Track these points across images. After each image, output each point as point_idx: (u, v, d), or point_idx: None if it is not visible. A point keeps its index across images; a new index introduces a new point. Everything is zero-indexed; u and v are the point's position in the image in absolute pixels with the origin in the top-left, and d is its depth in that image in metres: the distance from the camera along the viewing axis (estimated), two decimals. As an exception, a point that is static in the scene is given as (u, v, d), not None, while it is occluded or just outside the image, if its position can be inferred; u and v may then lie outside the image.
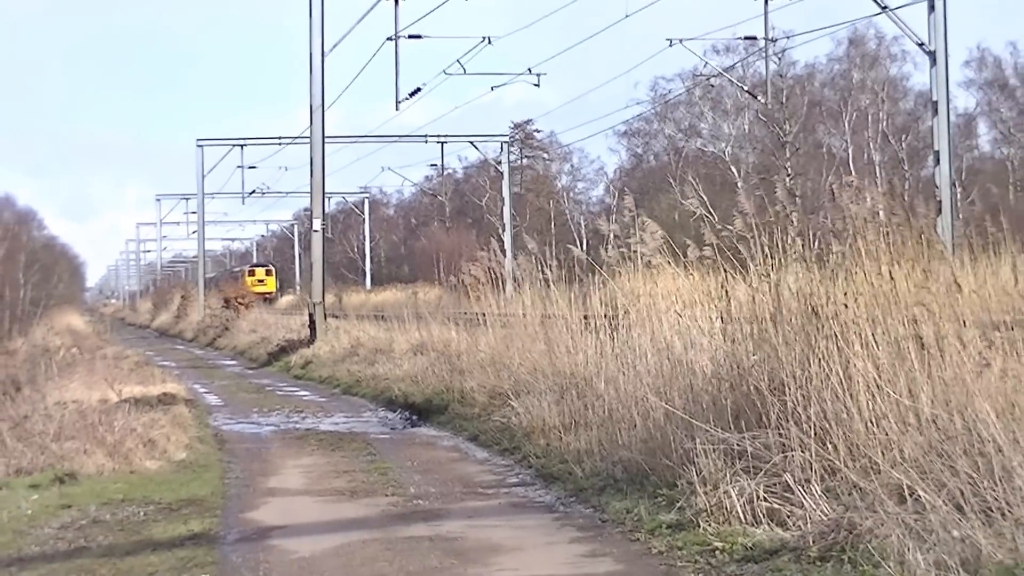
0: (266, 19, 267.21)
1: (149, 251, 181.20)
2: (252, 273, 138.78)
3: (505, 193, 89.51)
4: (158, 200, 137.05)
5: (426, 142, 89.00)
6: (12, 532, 16.08)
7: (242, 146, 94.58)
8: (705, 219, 18.72)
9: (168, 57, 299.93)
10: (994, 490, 11.57)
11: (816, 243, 16.41)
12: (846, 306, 15.11)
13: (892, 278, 15.07)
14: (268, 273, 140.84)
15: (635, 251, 20.79)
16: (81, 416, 23.42)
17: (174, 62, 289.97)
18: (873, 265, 15.32)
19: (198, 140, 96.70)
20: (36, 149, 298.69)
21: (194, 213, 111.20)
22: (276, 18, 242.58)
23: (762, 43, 55.04)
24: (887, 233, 15.42)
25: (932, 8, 51.20)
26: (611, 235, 22.43)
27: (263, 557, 14.47)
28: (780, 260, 16.57)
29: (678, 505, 14.75)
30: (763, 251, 16.83)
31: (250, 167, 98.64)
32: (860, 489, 12.91)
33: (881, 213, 15.92)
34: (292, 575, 13.46)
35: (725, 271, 18.20)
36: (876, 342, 14.60)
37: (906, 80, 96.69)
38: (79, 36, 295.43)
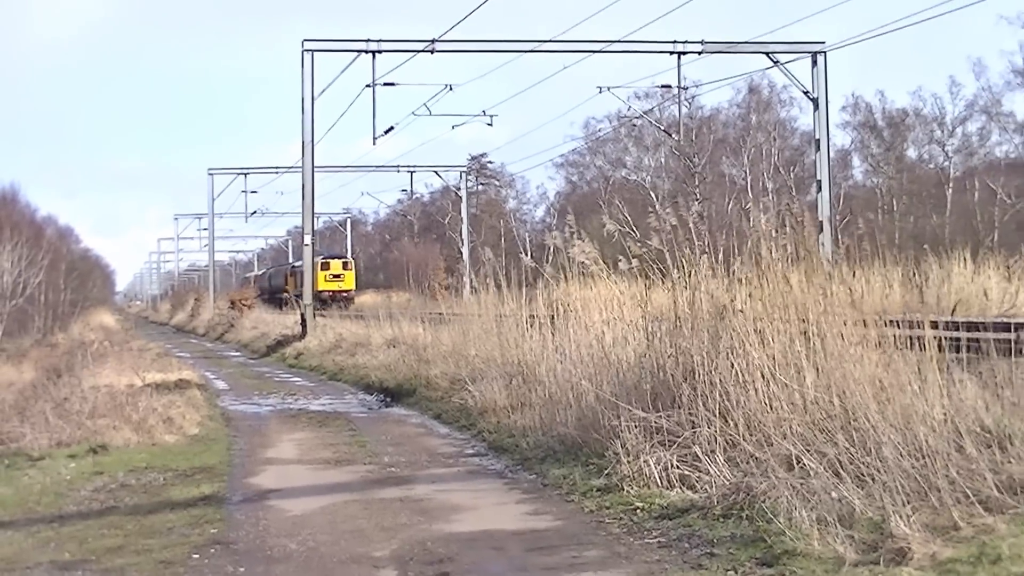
0: (267, 67, 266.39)
1: (168, 261, 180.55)
2: (325, 266, 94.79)
3: (464, 214, 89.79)
4: (176, 219, 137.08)
5: (398, 171, 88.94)
6: (54, 494, 15.99)
7: (246, 174, 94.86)
8: (629, 236, 18.73)
9: (185, 96, 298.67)
10: (866, 459, 11.59)
11: (722, 255, 16.42)
12: (741, 311, 15.17)
13: (788, 284, 15.12)
14: (346, 267, 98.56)
15: (574, 260, 20.76)
16: (111, 398, 23.36)
17: (190, 101, 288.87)
18: (770, 273, 15.37)
19: (209, 169, 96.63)
20: (72, 175, 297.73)
21: (205, 230, 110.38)
22: (275, 67, 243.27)
23: (676, 90, 54.98)
24: (782, 247, 15.46)
25: (815, 63, 51.83)
26: (553, 248, 22.43)
27: (262, 515, 14.42)
28: (692, 270, 16.59)
29: (606, 472, 14.75)
30: (678, 262, 16.83)
31: (252, 191, 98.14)
32: (756, 458, 12.92)
33: (776, 231, 15.94)
34: (286, 530, 13.38)
35: (647, 279, 18.21)
36: (771, 338, 14.63)
37: (794, 121, 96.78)
38: (109, 75, 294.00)
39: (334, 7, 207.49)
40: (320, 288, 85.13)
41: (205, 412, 25.33)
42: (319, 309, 63.69)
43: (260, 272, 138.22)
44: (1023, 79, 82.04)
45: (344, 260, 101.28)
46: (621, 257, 18.76)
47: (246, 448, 20.81)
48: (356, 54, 49.25)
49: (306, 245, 53.71)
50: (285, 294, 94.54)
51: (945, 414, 12.18)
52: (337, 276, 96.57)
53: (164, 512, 14.62)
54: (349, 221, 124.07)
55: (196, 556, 12.17)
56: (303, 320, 52.65)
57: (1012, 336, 14.35)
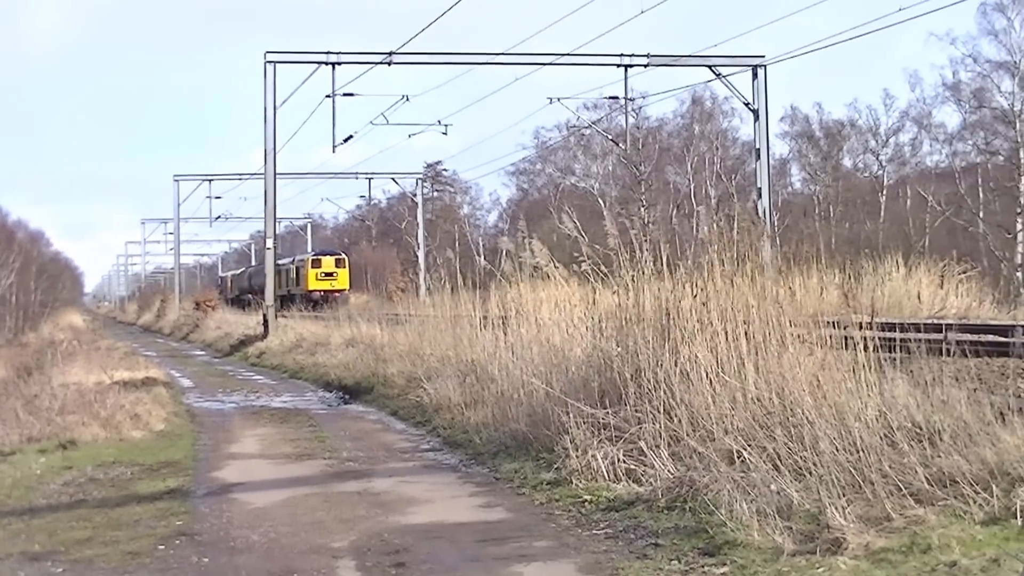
0: (231, 78, 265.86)
1: (135, 264, 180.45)
2: (316, 263, 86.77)
3: (419, 219, 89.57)
4: (143, 223, 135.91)
5: (357, 178, 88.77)
6: (24, 488, 15.90)
7: (210, 180, 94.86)
8: (579, 240, 18.75)
9: (152, 106, 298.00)
10: (804, 454, 11.63)
11: (667, 259, 16.46)
12: (678, 312, 15.21)
13: (731, 286, 15.18)
14: (339, 264, 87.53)
15: (526, 263, 20.79)
16: (80, 395, 23.34)
17: (157, 110, 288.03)
18: (714, 276, 15.43)
19: (175, 175, 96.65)
20: (42, 181, 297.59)
21: (171, 234, 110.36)
22: (239, 77, 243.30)
23: (623, 102, 55.07)
24: (726, 251, 15.52)
25: (755, 76, 52.12)
26: (505, 251, 22.48)
27: (226, 507, 14.37)
28: (640, 272, 16.63)
29: (555, 466, 14.75)
30: (626, 265, 16.88)
31: (216, 197, 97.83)
32: (699, 453, 12.95)
33: (720, 236, 16.00)
34: (249, 522, 13.35)
35: (595, 281, 18.26)
36: (714, 338, 14.68)
37: (735, 131, 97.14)
38: (79, 86, 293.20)
39: (296, 21, 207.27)
40: (311, 288, 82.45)
41: (171, 409, 25.22)
42: (310, 311, 61.99)
43: (239, 271, 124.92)
44: (952, 92, 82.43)
45: (337, 256, 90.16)
46: (570, 260, 18.81)
47: (210, 443, 20.74)
48: (316, 66, 49.28)
49: (268, 249, 53.75)
50: (261, 296, 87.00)
51: (878, 411, 12.25)
52: (330, 274, 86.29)
53: (131, 505, 14.55)
54: (310, 226, 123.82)
55: (162, 547, 12.13)
56: (265, 320, 52.54)
57: (941, 337, 14.45)
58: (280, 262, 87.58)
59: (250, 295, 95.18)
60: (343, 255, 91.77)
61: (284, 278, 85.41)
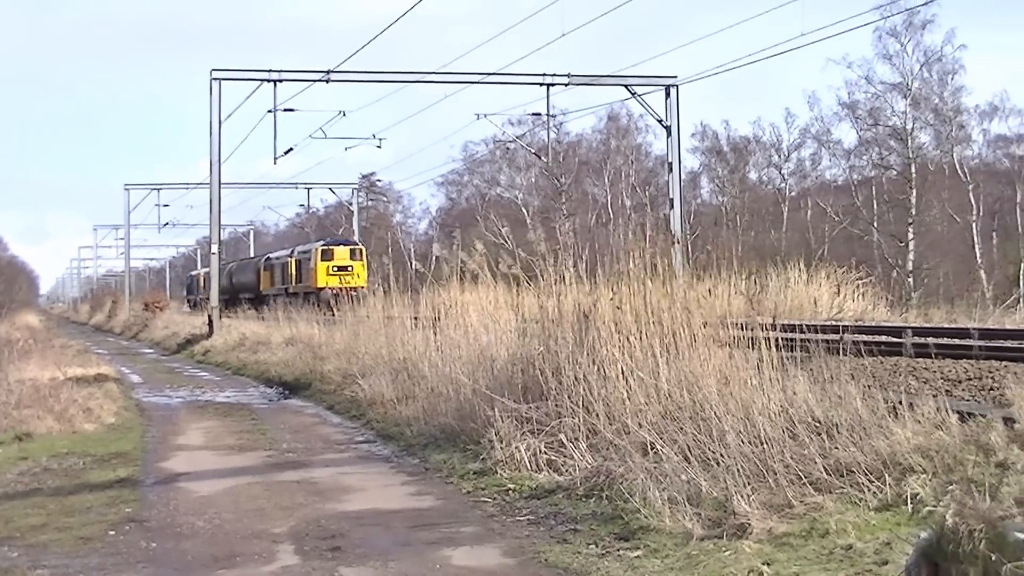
0: (180, 92, 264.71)
1: (87, 267, 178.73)
2: (327, 255, 68.85)
3: (355, 226, 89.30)
4: (95, 229, 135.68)
5: (296, 188, 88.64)
6: (-19, 477, 15.81)
7: (159, 189, 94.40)
8: (504, 246, 18.79)
9: (104, 118, 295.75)
10: (712, 446, 11.68)
11: (586, 264, 16.51)
12: (596, 315, 15.24)
13: (646, 290, 15.23)
14: (355, 255, 69.48)
15: (464, 266, 20.78)
16: (35, 390, 23.14)
17: (108, 123, 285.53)
18: (630, 281, 15.48)
19: (126, 184, 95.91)
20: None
21: (122, 239, 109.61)
22: (188, 92, 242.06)
23: (545, 118, 55.16)
24: (641, 257, 15.57)
25: (668, 95, 52.36)
26: (435, 257, 22.47)
27: (173, 495, 14.30)
28: (560, 277, 16.67)
29: (481, 457, 14.78)
30: (548, 271, 16.91)
31: (165, 205, 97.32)
32: (615, 445, 12.98)
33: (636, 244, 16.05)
34: (194, 509, 13.29)
35: (519, 285, 18.29)
36: (629, 338, 14.72)
37: (649, 146, 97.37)
38: (33, 98, 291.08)
39: (240, 40, 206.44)
40: (320, 284, 66.01)
41: (121, 403, 25.05)
42: (317, 313, 42.25)
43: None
44: (848, 111, 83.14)
45: (353, 246, 71.78)
46: (495, 265, 18.82)
47: (158, 436, 20.61)
48: (259, 83, 49.13)
49: (213, 254, 53.38)
50: (248, 295, 76.54)
51: (780, 406, 12.32)
52: (344, 268, 67.98)
53: (83, 493, 14.46)
54: (252, 232, 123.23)
55: (112, 533, 12.07)
56: (210, 321, 52.22)
57: (838, 338, 14.55)
58: (273, 255, 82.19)
59: (230, 295, 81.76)
60: (359, 245, 73.77)
61: (278, 274, 75.42)
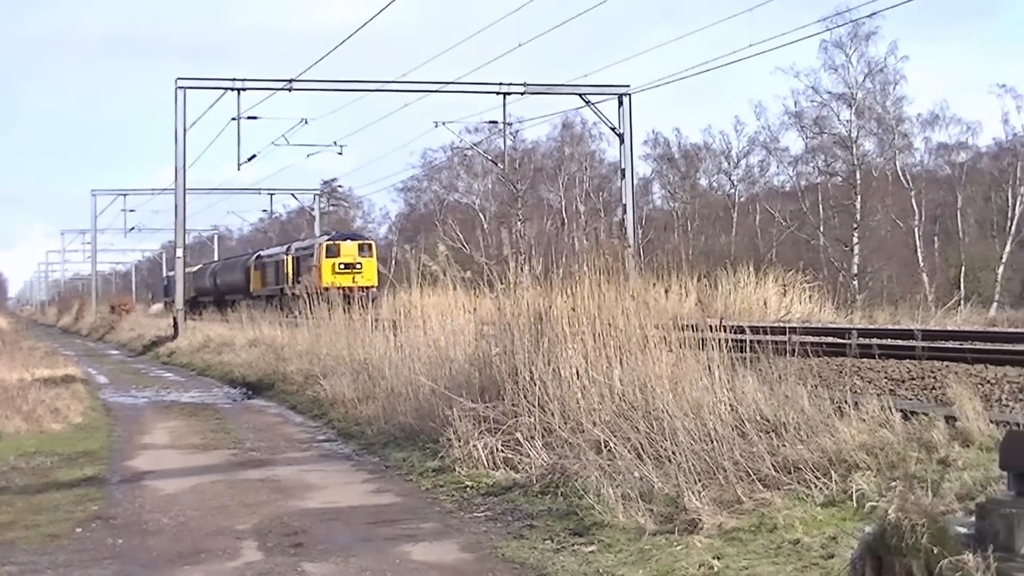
0: (145, 99, 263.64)
1: (55, 271, 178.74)
2: (332, 252, 59.63)
3: (317, 231, 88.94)
4: (62, 234, 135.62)
5: (259, 194, 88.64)
6: (-49, 476, 15.71)
7: (125, 195, 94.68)
8: (462, 250, 18.81)
9: (70, 124, 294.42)
10: (664, 443, 11.71)
11: (541, 267, 16.53)
12: (551, 317, 15.25)
13: (599, 292, 15.26)
14: (364, 251, 60.32)
15: (418, 270, 20.77)
16: (3, 391, 23.02)
17: (75, 129, 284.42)
18: (584, 283, 15.51)
19: (92, 190, 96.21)
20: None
21: (89, 243, 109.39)
22: (152, 99, 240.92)
23: (501, 126, 55.23)
24: (595, 260, 15.60)
25: (621, 103, 52.55)
26: (395, 260, 22.46)
27: (138, 493, 14.24)
28: (517, 280, 16.68)
29: (440, 455, 14.77)
30: (505, 274, 16.93)
31: (130, 210, 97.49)
32: (570, 443, 13.00)
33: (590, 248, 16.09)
34: (160, 506, 13.23)
35: (477, 288, 18.31)
36: (583, 339, 14.74)
37: (602, 153, 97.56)
38: (1, 106, 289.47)
39: (205, 48, 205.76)
40: (325, 284, 50.30)
41: (88, 403, 24.93)
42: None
43: (195, 268, 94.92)
44: (795, 119, 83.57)
45: (362, 240, 62.82)
46: (454, 269, 18.82)
47: (124, 435, 20.51)
48: (223, 91, 49.20)
49: (178, 258, 53.21)
50: (236, 296, 68.40)
51: (730, 405, 12.37)
52: (352, 265, 58.63)
53: (51, 492, 14.38)
54: (216, 237, 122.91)
55: (79, 530, 12.00)
56: (175, 323, 52.13)
57: (786, 339, 14.61)
58: (265, 252, 73.32)
59: (214, 297, 77.85)
60: (370, 239, 65.50)
61: (272, 273, 67.19)
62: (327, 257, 59.07)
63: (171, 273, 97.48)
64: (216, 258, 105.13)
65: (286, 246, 69.69)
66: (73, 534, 11.83)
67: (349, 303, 28.37)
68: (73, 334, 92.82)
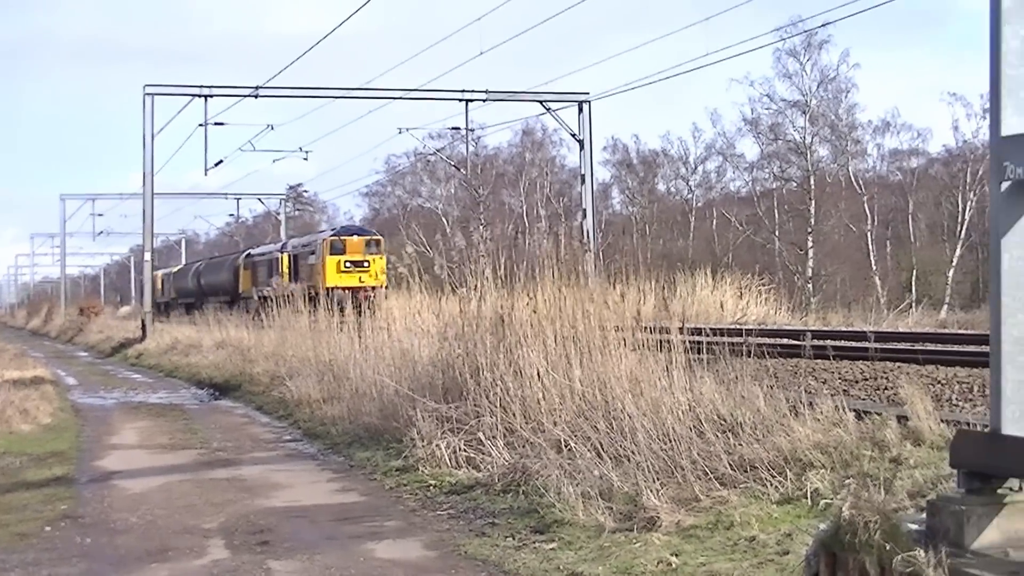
0: (114, 105, 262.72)
1: (24, 274, 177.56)
2: (338, 248, 53.93)
3: (283, 235, 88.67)
4: (32, 237, 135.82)
5: (226, 198, 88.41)
6: (-79, 476, 15.60)
7: (94, 199, 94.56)
8: (426, 254, 18.82)
9: (40, 130, 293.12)
10: (623, 443, 11.73)
11: (503, 271, 16.54)
12: (512, 319, 15.26)
13: (560, 295, 15.28)
14: (373, 247, 54.49)
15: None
16: (-27, 393, 22.90)
17: (44, 134, 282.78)
18: (545, 286, 15.52)
19: (61, 194, 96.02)
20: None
21: (58, 247, 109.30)
22: (123, 105, 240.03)
23: (464, 132, 55.22)
24: (556, 264, 15.63)
25: (581, 110, 52.67)
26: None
27: (107, 493, 14.19)
28: (479, 283, 16.69)
29: (404, 455, 14.78)
30: (467, 277, 16.95)
31: (99, 215, 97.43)
32: (531, 443, 13.01)
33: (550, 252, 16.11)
34: (128, 505, 13.19)
35: (440, 291, 18.31)
36: (544, 341, 14.75)
37: (563, 159, 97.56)
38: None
39: (172, 56, 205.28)
40: (329, 284, 48.22)
41: (57, 404, 24.83)
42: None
43: (176, 268, 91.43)
44: (751, 126, 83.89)
45: (369, 236, 56.10)
46: (418, 272, 18.82)
47: (93, 435, 20.43)
48: (191, 98, 49.03)
49: (146, 261, 53.26)
50: (222, 298, 63.95)
51: (688, 405, 12.40)
52: (359, 264, 52.88)
53: (20, 491, 14.31)
54: (184, 240, 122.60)
55: (48, 529, 11.95)
56: (143, 325, 51.95)
57: (742, 340, 14.66)
58: (256, 251, 67.41)
59: (196, 298, 71.75)
60: (378, 235, 57.96)
61: (264, 273, 60.95)
62: (331, 254, 53.28)
63: (153, 274, 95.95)
64: (184, 261, 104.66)
65: (279, 244, 64.68)
66: (42, 533, 11.78)
67: (358, 307, 25.62)
68: (42, 336, 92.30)
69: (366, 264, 52.76)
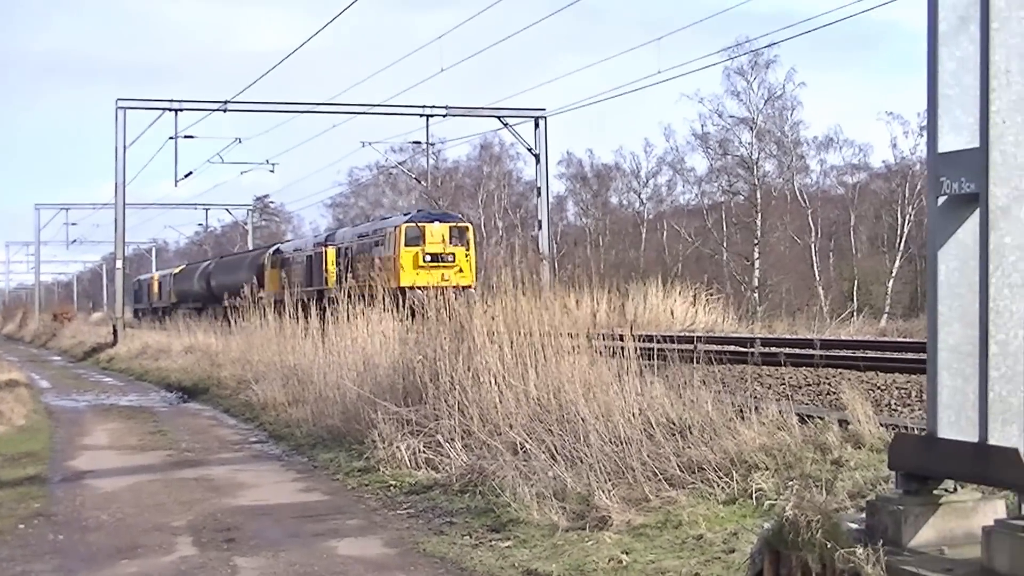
0: (87, 118, 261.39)
1: (0, 281, 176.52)
2: (415, 240, 42.08)
3: (250, 244, 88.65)
4: (7, 246, 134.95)
5: (195, 209, 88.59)
6: None
7: (67, 209, 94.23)
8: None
9: (13, 141, 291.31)
10: (576, 445, 11.75)
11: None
12: (471, 325, 15.27)
13: (517, 303, 15.29)
14: (458, 236, 42.91)
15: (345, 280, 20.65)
16: (-52, 395, 22.75)
17: (18, 145, 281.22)
18: (502, 294, 15.54)
19: (36, 204, 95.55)
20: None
21: (32, 255, 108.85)
22: (96, 117, 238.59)
23: (425, 146, 55.24)
24: (513, 273, 15.64)
25: (537, 125, 52.77)
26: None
27: (79, 492, 14.13)
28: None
29: (365, 456, 14.77)
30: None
31: (73, 224, 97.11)
32: (488, 445, 13.01)
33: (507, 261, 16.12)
34: (99, 504, 13.13)
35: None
36: (501, 346, 14.76)
37: (520, 172, 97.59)
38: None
39: (145, 69, 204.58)
40: (404, 283, 37.02)
41: (30, 406, 24.70)
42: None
43: (178, 269, 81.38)
44: (701, 141, 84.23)
45: (455, 223, 45.08)
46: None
47: (65, 436, 20.32)
48: (161, 112, 49.02)
49: (118, 269, 52.83)
50: (234, 300, 39.88)
51: (639, 409, 12.42)
52: (441, 257, 42.00)
53: (-6, 490, 14.26)
54: (154, 249, 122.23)
55: (22, 526, 11.89)
56: (115, 330, 51.88)
57: (692, 347, 14.70)
58: (285, 246, 59.29)
59: (203, 302, 63.11)
60: (466, 220, 49.11)
61: (300, 271, 50.55)
62: (407, 246, 42.38)
63: (143, 277, 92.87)
64: (154, 269, 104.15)
65: (321, 235, 55.09)
66: (15, 530, 11.72)
67: (448, 311, 16.42)
68: (17, 341, 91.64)
69: (451, 257, 42.25)
